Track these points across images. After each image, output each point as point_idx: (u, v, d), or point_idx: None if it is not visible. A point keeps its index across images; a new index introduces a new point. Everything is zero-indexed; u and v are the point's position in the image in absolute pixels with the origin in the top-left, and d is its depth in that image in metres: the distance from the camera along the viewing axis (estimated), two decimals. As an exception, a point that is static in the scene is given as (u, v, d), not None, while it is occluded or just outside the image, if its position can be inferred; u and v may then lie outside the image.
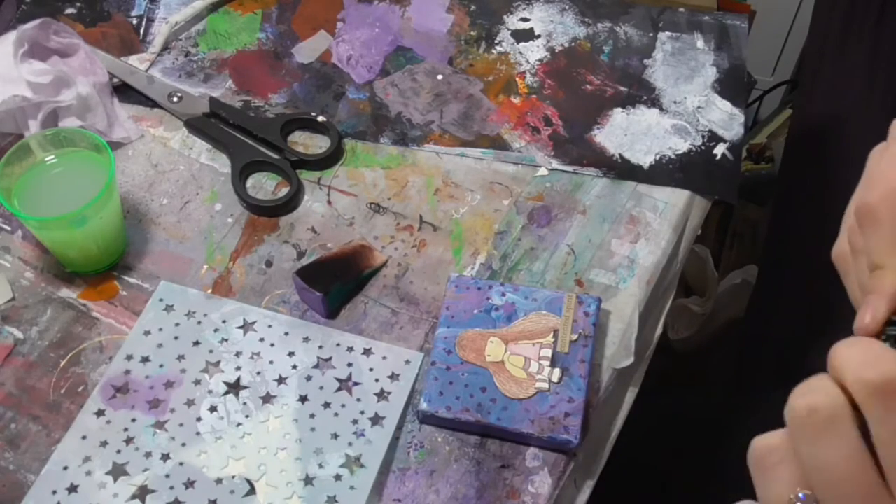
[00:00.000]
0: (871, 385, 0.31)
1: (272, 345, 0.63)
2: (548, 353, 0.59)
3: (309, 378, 0.62)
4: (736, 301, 1.38)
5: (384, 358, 0.62)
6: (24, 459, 0.58)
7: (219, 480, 0.57)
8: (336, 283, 0.64)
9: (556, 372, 0.59)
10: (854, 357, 0.32)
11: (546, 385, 0.58)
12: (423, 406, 0.59)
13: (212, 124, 0.74)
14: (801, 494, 0.33)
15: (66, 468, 0.58)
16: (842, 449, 0.32)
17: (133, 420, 0.60)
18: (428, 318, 0.65)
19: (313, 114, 0.75)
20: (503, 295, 0.62)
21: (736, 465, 0.86)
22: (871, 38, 0.81)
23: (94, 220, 0.62)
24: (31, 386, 0.61)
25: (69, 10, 0.83)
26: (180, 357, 0.62)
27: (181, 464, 0.58)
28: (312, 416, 0.60)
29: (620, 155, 0.74)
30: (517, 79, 0.79)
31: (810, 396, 0.33)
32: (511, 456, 0.59)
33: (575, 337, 0.60)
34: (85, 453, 0.58)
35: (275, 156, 0.73)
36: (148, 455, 0.58)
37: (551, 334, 0.60)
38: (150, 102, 0.76)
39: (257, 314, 0.65)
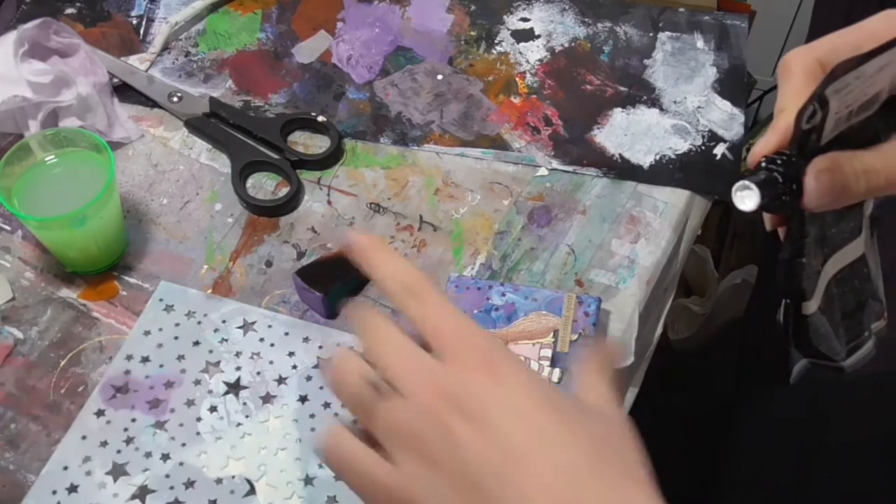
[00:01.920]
0: (397, 289, 0.42)
1: (272, 345, 0.63)
2: (548, 353, 0.59)
3: (309, 378, 0.62)
4: (736, 301, 1.37)
5: (384, 358, 0.62)
6: (24, 459, 0.58)
7: (219, 480, 0.57)
8: (336, 283, 0.64)
9: (556, 372, 0.59)
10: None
11: None
12: None
13: (212, 124, 0.74)
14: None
15: (66, 468, 0.58)
16: (395, 341, 0.42)
17: (133, 420, 0.60)
18: (428, 318, 0.65)
19: (313, 114, 0.75)
20: (503, 295, 0.62)
21: (736, 464, 0.86)
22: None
23: (94, 220, 0.62)
24: (31, 386, 0.61)
25: (69, 10, 0.83)
26: (180, 357, 0.63)
27: (181, 464, 0.58)
28: (312, 416, 0.60)
29: (620, 155, 0.74)
30: (517, 79, 0.79)
31: (355, 310, 0.44)
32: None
33: (575, 337, 0.60)
34: (85, 453, 0.58)
35: (275, 156, 0.73)
36: (148, 455, 0.58)
37: (551, 334, 0.60)
38: (150, 102, 0.76)
39: (257, 314, 0.65)
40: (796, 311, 0.44)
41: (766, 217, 0.44)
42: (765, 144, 0.40)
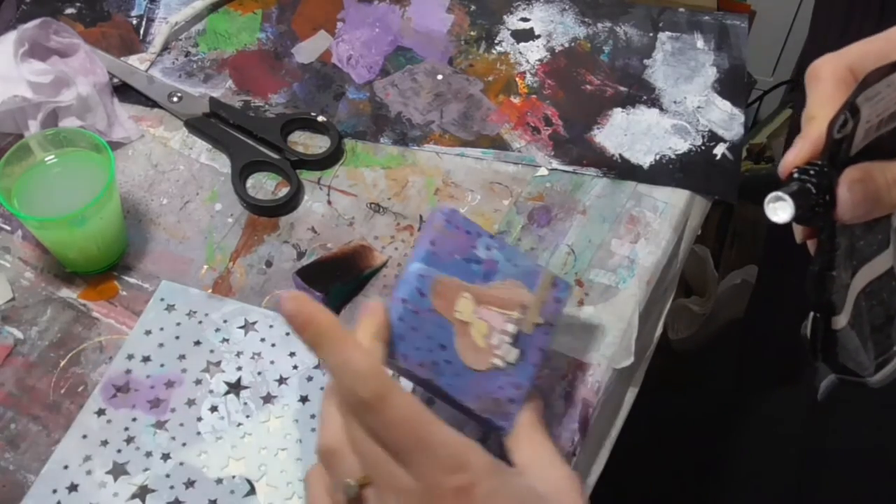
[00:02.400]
0: (351, 402, 0.42)
1: (273, 345, 0.63)
2: (512, 328, 0.54)
3: (310, 378, 0.62)
4: (736, 301, 1.38)
5: (384, 358, 0.62)
6: (24, 459, 0.58)
7: (219, 480, 0.58)
8: (336, 283, 0.64)
9: (515, 353, 0.54)
10: (338, 380, 0.42)
11: (502, 363, 0.53)
12: None
13: (212, 124, 0.74)
14: (350, 484, 0.43)
15: (66, 467, 0.58)
16: (367, 444, 0.42)
17: (134, 419, 0.60)
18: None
19: (313, 114, 0.75)
20: (489, 249, 0.55)
21: (736, 464, 0.86)
22: (870, 38, 0.81)
23: (94, 220, 0.62)
24: (31, 386, 0.61)
25: (69, 10, 0.83)
26: (181, 357, 0.63)
27: (181, 463, 0.58)
28: (313, 416, 0.60)
29: (620, 155, 0.74)
30: (517, 79, 0.79)
31: (327, 396, 0.46)
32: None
33: (541, 321, 0.55)
34: (85, 452, 0.58)
35: (275, 156, 0.73)
36: (148, 454, 0.58)
37: (519, 309, 0.55)
38: (150, 102, 0.76)
39: (258, 314, 0.65)
40: (826, 325, 0.43)
41: (797, 229, 0.43)
42: (796, 154, 0.40)
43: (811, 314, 0.44)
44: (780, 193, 0.38)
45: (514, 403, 0.52)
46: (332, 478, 0.45)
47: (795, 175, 0.38)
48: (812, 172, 0.38)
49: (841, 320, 0.43)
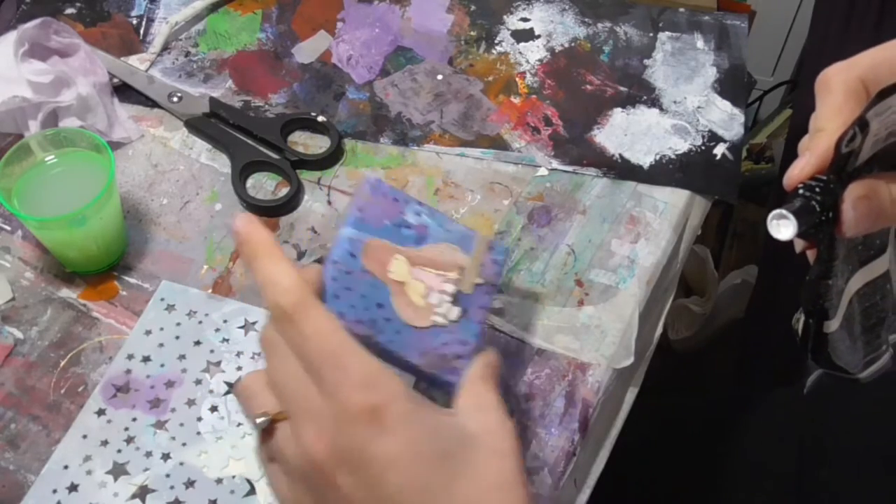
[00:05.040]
0: (273, 312, 0.43)
1: (272, 345, 0.63)
2: (450, 287, 0.54)
3: (309, 378, 0.62)
4: (736, 301, 1.38)
5: (384, 358, 0.62)
6: (24, 459, 0.58)
7: (219, 480, 0.58)
8: (336, 282, 0.64)
9: (456, 311, 0.54)
10: (264, 286, 0.43)
11: (443, 321, 0.53)
12: None
13: (212, 124, 0.74)
14: (259, 420, 0.44)
15: (66, 467, 0.58)
16: (286, 365, 0.43)
17: (134, 419, 0.60)
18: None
19: (313, 114, 0.75)
20: (418, 215, 0.56)
21: (736, 465, 0.86)
22: (871, 39, 0.81)
23: (94, 220, 0.62)
24: (31, 386, 0.61)
25: (69, 10, 0.83)
26: (181, 356, 0.63)
27: (182, 463, 0.58)
28: (313, 415, 0.60)
29: (620, 155, 0.74)
30: (517, 79, 0.79)
31: (262, 331, 0.45)
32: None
33: (480, 281, 0.55)
34: (85, 452, 0.58)
35: (275, 156, 0.73)
36: (148, 454, 0.58)
37: (457, 271, 0.55)
38: (150, 102, 0.76)
39: (259, 314, 0.65)
40: (818, 328, 0.43)
41: (797, 241, 0.43)
42: (803, 168, 0.39)
43: (803, 317, 0.44)
44: (783, 211, 0.37)
45: (462, 359, 0.52)
46: (248, 413, 0.46)
47: (800, 191, 0.38)
48: (817, 189, 0.38)
49: (833, 324, 0.43)
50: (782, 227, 0.37)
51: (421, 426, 0.42)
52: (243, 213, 0.47)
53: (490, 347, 0.53)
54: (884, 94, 0.35)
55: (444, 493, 0.41)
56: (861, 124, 0.36)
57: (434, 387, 0.53)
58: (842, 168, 0.38)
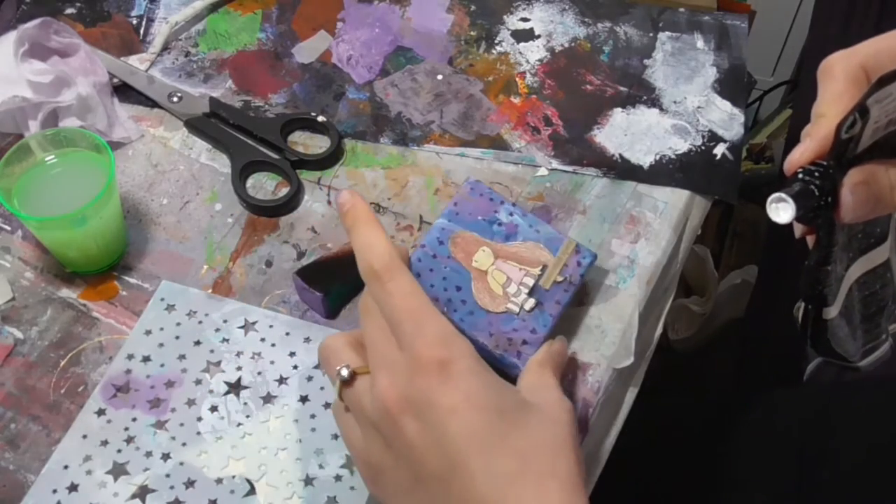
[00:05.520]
0: (365, 272, 0.48)
1: (273, 345, 0.63)
2: (530, 281, 0.59)
3: (310, 378, 0.62)
4: (736, 301, 1.38)
5: (384, 358, 0.62)
6: (24, 459, 0.58)
7: (219, 480, 0.58)
8: (336, 283, 0.64)
9: (531, 301, 0.58)
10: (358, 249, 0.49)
11: (517, 309, 0.58)
12: None
13: (212, 124, 0.74)
14: (341, 371, 0.48)
15: (66, 467, 0.58)
16: (374, 323, 0.48)
17: (134, 419, 0.60)
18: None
19: (313, 114, 0.75)
20: (511, 215, 0.62)
21: (736, 465, 0.86)
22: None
23: (94, 220, 0.62)
24: (31, 386, 0.61)
25: (69, 10, 0.83)
26: (181, 357, 0.63)
27: (181, 463, 0.58)
28: (313, 416, 0.60)
29: (620, 155, 0.74)
30: (517, 79, 0.79)
31: (361, 298, 0.50)
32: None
33: (561, 279, 0.60)
34: (85, 452, 0.58)
35: (275, 156, 0.73)
36: (148, 454, 0.58)
37: (540, 267, 0.60)
38: (150, 102, 0.76)
39: (258, 314, 0.65)
40: (817, 315, 0.44)
41: (797, 226, 0.44)
42: (802, 153, 0.40)
43: (803, 304, 0.44)
44: (782, 194, 0.38)
45: (529, 346, 0.56)
46: (330, 371, 0.50)
47: (799, 175, 0.39)
48: (816, 174, 0.38)
49: (832, 311, 0.44)
50: (781, 210, 0.38)
51: (484, 383, 0.46)
52: (348, 190, 0.54)
53: (560, 337, 0.58)
54: (883, 80, 0.35)
55: (500, 443, 0.44)
56: (861, 110, 0.36)
57: (497, 369, 0.55)
58: (842, 154, 0.38)
